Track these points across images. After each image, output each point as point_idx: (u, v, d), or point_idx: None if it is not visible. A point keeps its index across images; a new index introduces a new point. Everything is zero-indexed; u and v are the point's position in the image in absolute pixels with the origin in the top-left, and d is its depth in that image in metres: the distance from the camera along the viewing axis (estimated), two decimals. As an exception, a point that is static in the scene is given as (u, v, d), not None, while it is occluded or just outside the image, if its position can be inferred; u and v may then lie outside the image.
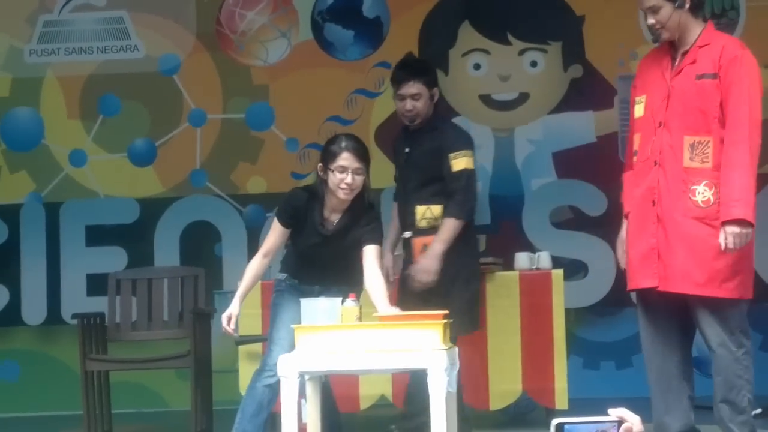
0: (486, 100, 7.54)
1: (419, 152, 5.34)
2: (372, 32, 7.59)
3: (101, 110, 7.69)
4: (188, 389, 6.07)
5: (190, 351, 5.99)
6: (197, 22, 7.67)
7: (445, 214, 5.30)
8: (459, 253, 5.28)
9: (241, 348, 6.11)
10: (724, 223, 4.39)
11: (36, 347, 7.56)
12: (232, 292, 6.86)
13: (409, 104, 5.35)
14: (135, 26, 7.68)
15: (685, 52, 4.54)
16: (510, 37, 7.49)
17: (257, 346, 6.03)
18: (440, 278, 5.25)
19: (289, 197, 5.03)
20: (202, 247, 7.47)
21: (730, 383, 4.48)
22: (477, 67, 7.52)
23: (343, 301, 4.54)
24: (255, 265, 5.05)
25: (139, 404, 7.30)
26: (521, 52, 7.50)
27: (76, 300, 7.39)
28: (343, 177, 4.82)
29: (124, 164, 7.63)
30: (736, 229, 4.36)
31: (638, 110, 4.62)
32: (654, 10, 4.51)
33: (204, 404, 6.12)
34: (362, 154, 4.88)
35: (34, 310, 7.54)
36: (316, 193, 4.94)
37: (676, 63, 4.55)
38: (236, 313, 4.98)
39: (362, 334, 4.39)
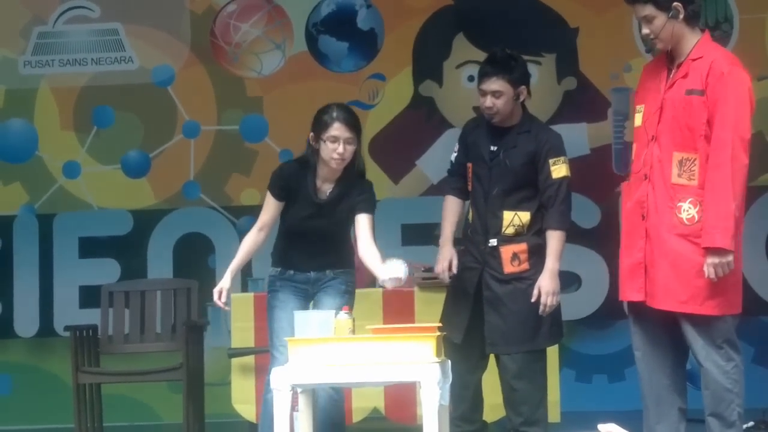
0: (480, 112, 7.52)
1: (512, 154, 5.09)
2: (366, 44, 7.60)
3: (95, 122, 7.68)
4: (180, 402, 6.06)
5: (183, 363, 5.98)
6: (191, 33, 7.67)
7: (550, 226, 5.06)
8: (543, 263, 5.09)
9: (234, 360, 6.10)
10: (706, 251, 4.41)
11: (28, 360, 7.53)
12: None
13: (489, 101, 5.10)
14: (129, 38, 7.68)
15: (680, 64, 4.51)
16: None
17: (250, 359, 6.02)
18: (529, 288, 5.08)
19: (280, 169, 5.05)
20: (195, 259, 7.45)
21: (719, 397, 4.48)
22: (471, 78, 7.52)
23: (336, 314, 4.54)
24: (250, 240, 5.03)
25: (131, 417, 7.28)
26: (515, 64, 7.49)
27: (68, 312, 7.37)
28: (335, 147, 4.85)
29: (117, 176, 7.62)
30: (716, 259, 4.38)
31: (637, 119, 4.62)
32: (648, 20, 4.49)
33: (196, 417, 6.11)
34: (354, 123, 4.93)
35: (26, 322, 7.52)
36: (307, 164, 4.96)
37: (671, 75, 4.53)
38: (227, 287, 4.93)
39: (355, 347, 4.39)
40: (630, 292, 4.55)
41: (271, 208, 5.01)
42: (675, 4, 4.45)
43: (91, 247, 7.54)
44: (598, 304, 7.26)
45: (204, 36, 7.66)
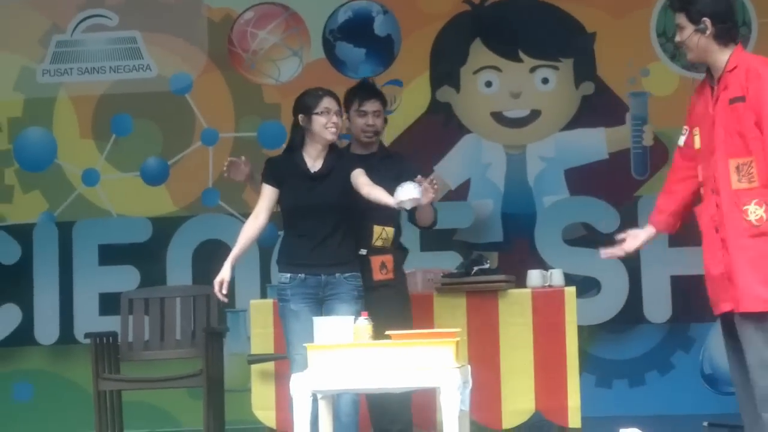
0: (498, 117, 7.53)
1: (380, 178, 5.23)
2: (383, 50, 7.61)
3: (114, 130, 7.71)
4: (200, 409, 6.07)
5: (203, 370, 5.99)
6: (209, 41, 7.69)
7: None
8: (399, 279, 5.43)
9: (254, 367, 6.10)
10: None
11: (49, 367, 7.56)
12: (245, 311, 6.91)
13: (371, 119, 5.47)
14: (147, 46, 7.71)
15: (719, 79, 4.67)
16: (521, 55, 7.49)
17: (270, 365, 6.02)
18: (396, 294, 5.36)
19: (268, 160, 5.29)
20: (214, 266, 7.38)
21: None
22: (488, 84, 7.53)
23: (355, 320, 4.55)
24: (247, 228, 5.24)
25: (152, 424, 7.30)
26: (533, 69, 7.50)
27: (88, 319, 7.40)
28: (330, 117, 5.10)
29: (136, 183, 7.65)
30: None
31: (696, 141, 4.75)
32: (679, 28, 4.69)
33: (216, 424, 6.12)
34: (338, 99, 5.21)
35: (46, 330, 7.55)
36: (293, 150, 5.17)
37: (714, 92, 4.68)
38: (227, 278, 5.09)
39: (374, 353, 4.39)
40: (721, 304, 4.60)
41: (265, 195, 5.19)
42: (704, 19, 4.61)
43: (110, 255, 7.56)
44: (617, 308, 7.24)
45: (222, 43, 7.69)
